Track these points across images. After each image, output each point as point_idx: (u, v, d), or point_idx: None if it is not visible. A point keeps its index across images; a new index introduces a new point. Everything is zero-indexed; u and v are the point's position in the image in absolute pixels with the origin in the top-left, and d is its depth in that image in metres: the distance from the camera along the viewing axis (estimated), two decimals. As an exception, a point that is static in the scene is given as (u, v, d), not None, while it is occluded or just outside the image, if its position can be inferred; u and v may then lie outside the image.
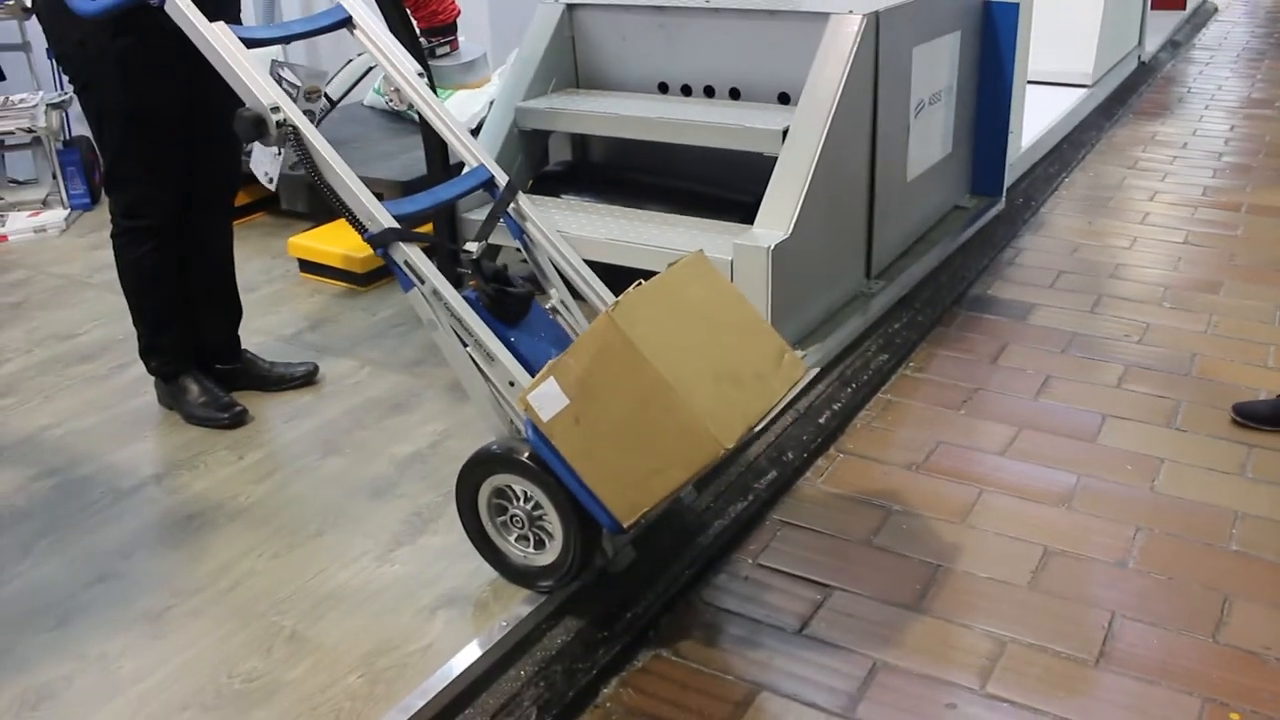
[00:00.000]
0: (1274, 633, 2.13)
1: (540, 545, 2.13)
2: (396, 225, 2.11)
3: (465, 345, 2.13)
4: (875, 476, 2.69)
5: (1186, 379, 3.11)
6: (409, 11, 3.18)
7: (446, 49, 3.62)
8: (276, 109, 2.12)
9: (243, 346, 3.07)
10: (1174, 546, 2.40)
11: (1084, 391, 3.06)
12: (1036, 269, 3.91)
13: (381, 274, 3.71)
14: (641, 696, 2.03)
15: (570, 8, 3.65)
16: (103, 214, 4.54)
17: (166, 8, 2.19)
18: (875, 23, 3.19)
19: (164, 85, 2.58)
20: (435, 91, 3.31)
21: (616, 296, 1.96)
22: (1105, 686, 2.02)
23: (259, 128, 2.12)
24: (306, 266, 3.86)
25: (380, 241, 2.11)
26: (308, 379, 3.08)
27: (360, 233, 2.13)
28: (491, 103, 3.76)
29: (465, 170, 2.40)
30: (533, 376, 2.00)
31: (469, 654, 2.02)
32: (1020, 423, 2.91)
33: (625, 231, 3.21)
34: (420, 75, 2.41)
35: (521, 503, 2.10)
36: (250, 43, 2.22)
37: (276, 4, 5.46)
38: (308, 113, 4.29)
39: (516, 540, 2.16)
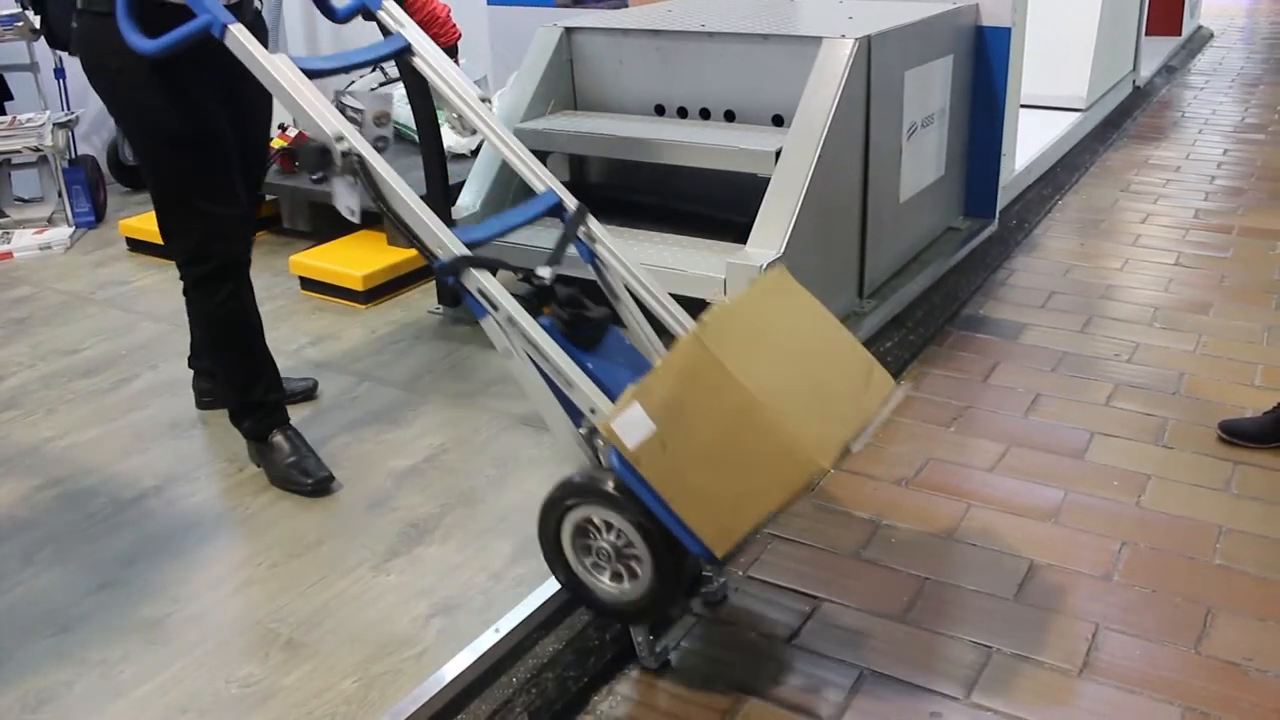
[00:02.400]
0: (1254, 644, 2.17)
1: (633, 577, 2.00)
2: (468, 253, 2.05)
3: (542, 371, 2.04)
4: (865, 491, 2.73)
5: (1174, 397, 3.15)
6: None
7: (448, 71, 3.67)
8: (341, 138, 2.07)
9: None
10: (1158, 560, 2.44)
11: (1073, 409, 3.10)
12: (1028, 289, 3.96)
13: (381, 292, 3.76)
14: (632, 704, 2.07)
15: (569, 31, 3.72)
16: (106, 232, 4.63)
17: (226, 40, 2.15)
18: (867, 47, 3.25)
19: (200, 107, 2.48)
20: (437, 112, 3.37)
21: (691, 317, 1.87)
22: (1088, 696, 2.05)
23: (324, 158, 2.08)
24: (308, 284, 3.90)
25: (451, 270, 2.04)
26: (307, 394, 3.13)
27: (430, 261, 2.06)
28: (491, 124, 3.82)
29: (532, 196, 2.33)
30: (612, 402, 1.93)
31: (462, 660, 2.06)
32: (1010, 440, 2.95)
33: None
34: (484, 100, 2.37)
35: (607, 535, 1.98)
36: (310, 73, 2.18)
37: (281, 29, 5.53)
38: (379, 138, 4.34)
39: (607, 577, 2.03)
